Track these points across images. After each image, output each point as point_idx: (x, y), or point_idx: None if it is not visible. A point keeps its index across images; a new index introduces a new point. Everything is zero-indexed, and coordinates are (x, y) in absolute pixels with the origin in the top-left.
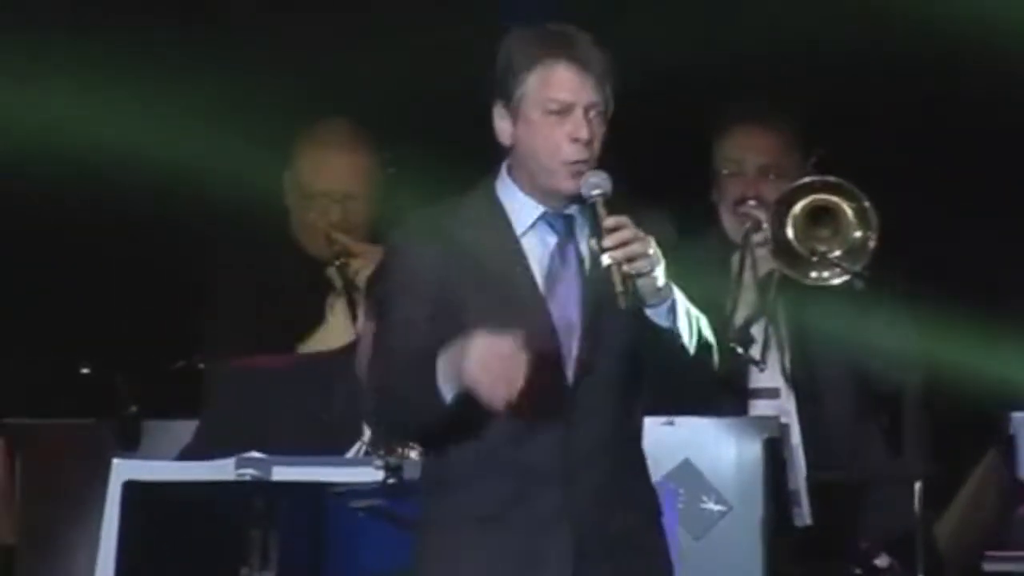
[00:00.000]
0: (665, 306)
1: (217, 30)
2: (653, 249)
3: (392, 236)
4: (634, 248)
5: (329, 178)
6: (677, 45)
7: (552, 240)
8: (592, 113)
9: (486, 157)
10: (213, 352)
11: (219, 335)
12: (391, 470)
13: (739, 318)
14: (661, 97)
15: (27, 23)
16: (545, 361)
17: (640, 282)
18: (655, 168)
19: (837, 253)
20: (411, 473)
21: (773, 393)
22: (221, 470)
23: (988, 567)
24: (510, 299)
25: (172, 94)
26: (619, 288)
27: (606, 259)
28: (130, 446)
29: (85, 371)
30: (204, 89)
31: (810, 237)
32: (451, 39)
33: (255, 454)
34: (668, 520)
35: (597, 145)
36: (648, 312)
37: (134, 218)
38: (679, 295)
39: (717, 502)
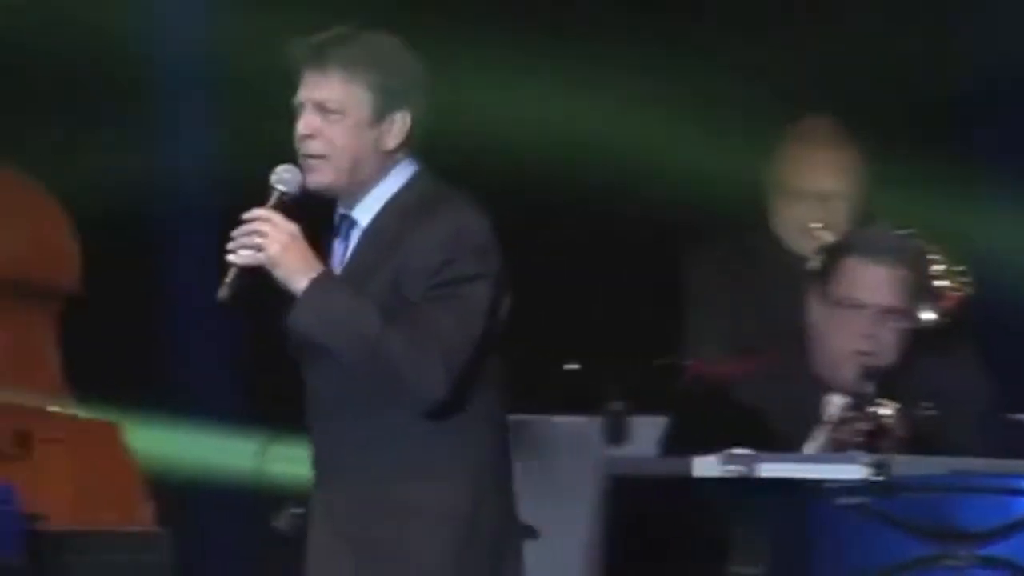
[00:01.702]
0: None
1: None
2: (269, 246)
3: None
4: (244, 241)
5: (813, 177)
6: None
7: (336, 240)
8: (325, 111)
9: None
10: (692, 349)
11: (698, 332)
12: (878, 467)
13: None
14: None
15: (509, 25)
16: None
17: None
18: None
19: None
20: (899, 471)
21: None
22: (707, 466)
23: None
24: None
25: (648, 89)
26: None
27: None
28: (617, 441)
29: (573, 367)
30: (682, 85)
31: None
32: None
33: (740, 450)
34: None
35: (325, 139)
36: None
37: (615, 216)
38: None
39: None
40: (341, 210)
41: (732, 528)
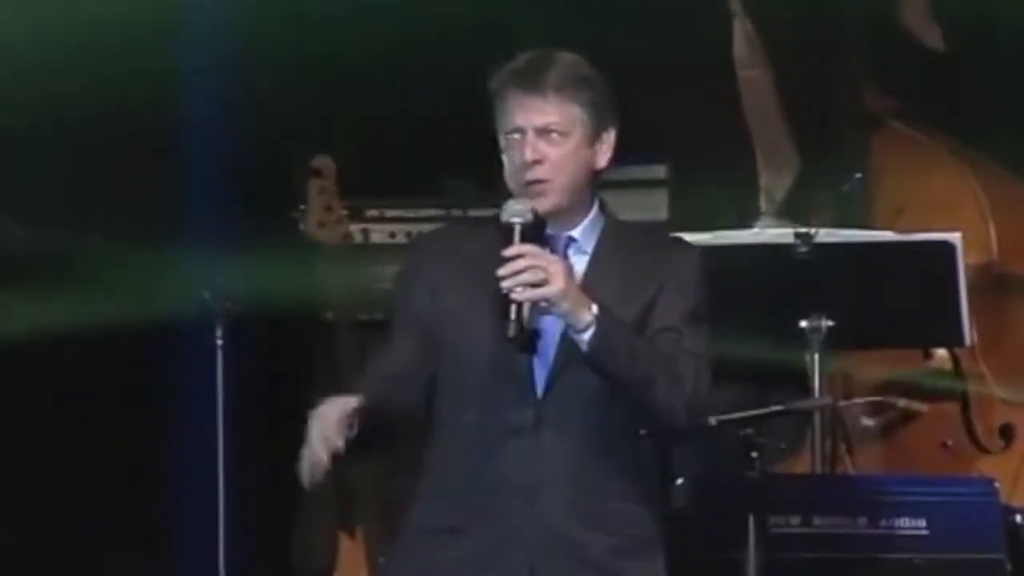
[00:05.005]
0: (584, 336)
1: None
2: (554, 280)
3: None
4: (524, 277)
5: None
6: None
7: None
8: (549, 135)
9: None
10: None
11: None
12: None
13: None
14: None
15: None
16: (513, 372)
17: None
18: None
19: None
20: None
21: None
22: None
23: None
24: (492, 307)
25: None
26: (509, 316)
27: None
28: None
29: None
30: None
31: None
32: None
33: None
34: None
35: (551, 164)
36: (576, 340)
37: None
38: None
39: None
40: (548, 231)
41: None
